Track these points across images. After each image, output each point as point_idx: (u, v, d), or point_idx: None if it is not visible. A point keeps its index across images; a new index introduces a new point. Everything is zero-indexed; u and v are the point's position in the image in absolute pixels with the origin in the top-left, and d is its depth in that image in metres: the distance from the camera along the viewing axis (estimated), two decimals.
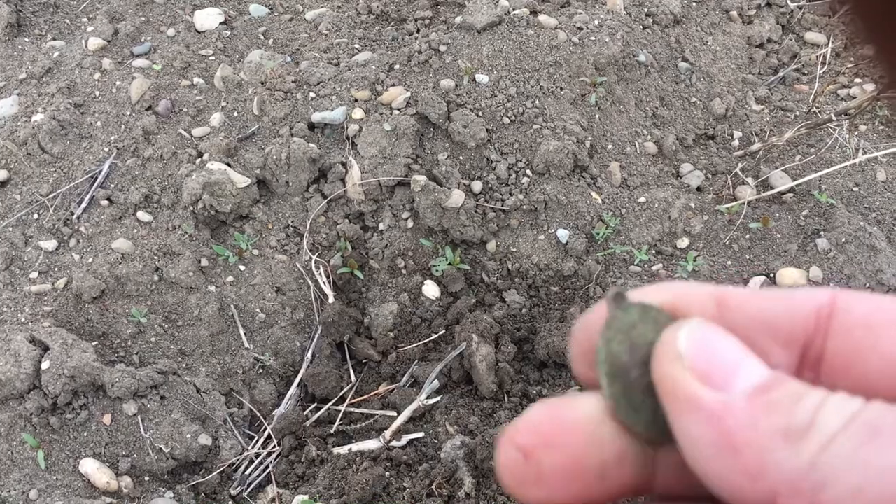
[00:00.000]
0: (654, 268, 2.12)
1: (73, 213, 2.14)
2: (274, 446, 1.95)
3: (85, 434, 1.83)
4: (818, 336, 0.32)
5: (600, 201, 2.20)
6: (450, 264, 2.15)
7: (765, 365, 0.30)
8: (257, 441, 1.96)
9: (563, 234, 2.15)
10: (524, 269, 2.15)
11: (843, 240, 2.08)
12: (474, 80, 2.26)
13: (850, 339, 0.31)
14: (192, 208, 2.11)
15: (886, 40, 0.29)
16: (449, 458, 1.82)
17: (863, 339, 0.31)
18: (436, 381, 1.95)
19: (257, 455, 1.94)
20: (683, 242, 2.18)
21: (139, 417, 1.85)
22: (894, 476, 0.26)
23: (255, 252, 2.15)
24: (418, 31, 2.48)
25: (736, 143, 2.44)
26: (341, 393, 2.05)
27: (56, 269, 2.07)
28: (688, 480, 0.32)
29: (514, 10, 2.36)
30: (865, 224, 2.11)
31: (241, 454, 1.92)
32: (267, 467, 1.93)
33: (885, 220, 2.18)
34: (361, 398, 2.04)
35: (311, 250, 2.16)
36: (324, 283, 2.12)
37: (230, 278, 2.11)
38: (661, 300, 0.34)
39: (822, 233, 2.12)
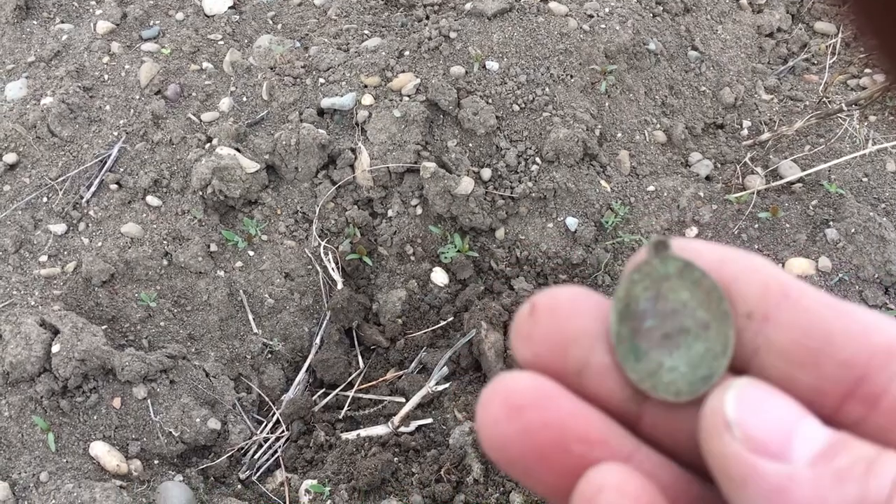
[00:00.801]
0: None
1: (82, 197, 2.14)
2: (282, 431, 1.96)
3: (95, 417, 1.84)
4: (883, 373, 0.28)
5: (609, 190, 2.20)
6: (458, 251, 2.15)
7: (824, 425, 0.27)
8: (266, 426, 1.97)
9: (571, 222, 2.15)
10: (533, 256, 2.15)
11: (853, 230, 2.08)
12: (484, 67, 2.25)
13: None
14: (201, 193, 2.11)
15: (888, 37, 0.29)
16: (457, 444, 1.83)
17: None
18: (445, 368, 1.96)
19: (266, 440, 1.95)
20: (692, 231, 2.18)
21: (149, 401, 1.86)
22: None
23: (264, 237, 2.15)
24: (427, 18, 2.47)
25: (745, 132, 2.44)
26: (350, 379, 2.05)
27: (65, 252, 2.07)
28: (671, 438, 0.31)
29: None
30: (875, 214, 2.11)
31: (249, 439, 1.93)
32: (276, 452, 1.94)
33: (895, 210, 2.18)
34: (370, 384, 2.05)
35: (319, 236, 2.16)
36: (332, 269, 2.12)
37: (239, 263, 2.11)
38: (708, 264, 0.31)
39: (831, 223, 2.12)
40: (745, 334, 0.30)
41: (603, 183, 2.20)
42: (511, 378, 0.30)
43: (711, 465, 0.28)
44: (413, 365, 2.04)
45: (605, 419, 0.31)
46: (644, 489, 0.28)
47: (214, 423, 1.88)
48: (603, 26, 2.35)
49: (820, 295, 0.30)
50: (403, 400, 1.97)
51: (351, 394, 2.03)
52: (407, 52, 2.30)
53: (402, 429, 1.91)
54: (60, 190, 2.15)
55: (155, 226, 2.10)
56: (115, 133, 2.22)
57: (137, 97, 2.28)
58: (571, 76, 2.28)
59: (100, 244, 2.07)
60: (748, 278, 0.30)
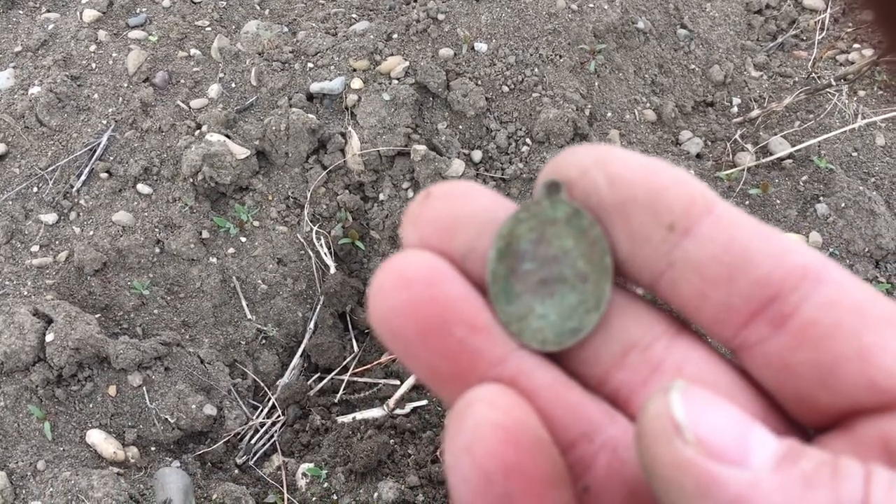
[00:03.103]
0: None
1: (72, 187, 2.13)
2: (278, 416, 1.97)
3: (91, 405, 1.84)
4: (795, 293, 0.28)
5: None
6: None
7: (772, 432, 0.26)
8: (262, 411, 1.98)
9: None
10: None
11: (843, 205, 2.09)
12: (473, 48, 2.25)
13: (834, 315, 0.27)
14: (191, 180, 2.11)
15: (885, 4, 0.29)
16: None
17: (852, 327, 0.27)
18: None
19: (262, 425, 1.96)
20: None
21: (144, 388, 1.86)
22: None
23: (256, 223, 2.15)
24: (415, 0, 2.46)
25: (735, 109, 2.44)
26: (344, 363, 2.06)
27: (57, 242, 2.07)
28: None
29: None
30: (864, 189, 2.12)
31: (245, 424, 1.94)
32: (272, 436, 1.94)
33: (884, 184, 2.19)
34: (364, 367, 2.05)
35: (311, 221, 2.16)
36: (325, 253, 2.12)
37: (231, 250, 2.12)
38: (635, 174, 0.29)
39: (821, 198, 2.13)
40: (662, 246, 0.29)
41: None
42: (407, 253, 0.29)
43: (655, 475, 0.25)
44: None
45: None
46: (516, 404, 0.28)
47: (210, 410, 1.89)
48: (591, 5, 2.34)
49: (743, 215, 0.29)
50: (398, 382, 1.98)
51: (346, 378, 2.03)
52: (395, 35, 2.30)
53: (398, 411, 1.92)
54: (50, 179, 2.14)
55: (146, 214, 2.10)
56: (104, 121, 2.21)
57: (125, 85, 2.27)
58: (560, 56, 2.27)
59: (91, 233, 2.07)
60: (676, 189, 0.29)
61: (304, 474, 1.84)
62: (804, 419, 0.29)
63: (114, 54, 2.32)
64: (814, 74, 2.48)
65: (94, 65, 2.30)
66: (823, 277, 0.28)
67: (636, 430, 0.26)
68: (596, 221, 0.30)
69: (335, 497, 1.80)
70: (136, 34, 2.37)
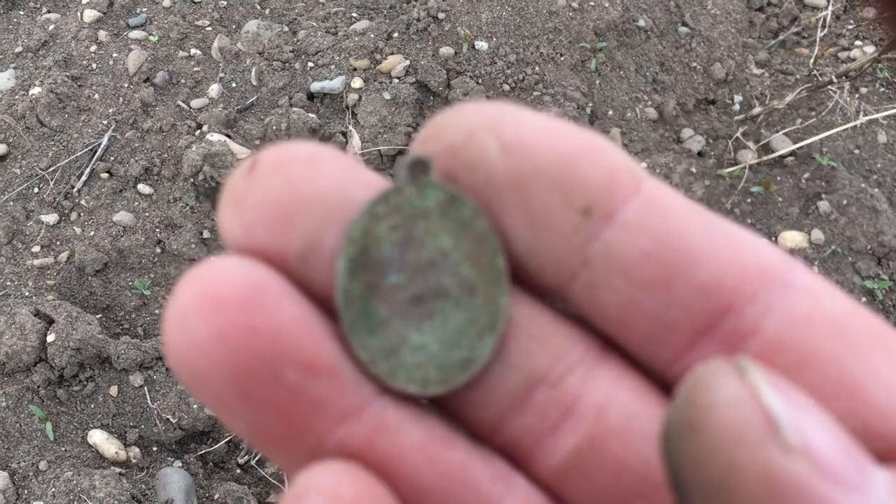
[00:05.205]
0: None
1: (73, 187, 2.13)
2: None
3: (92, 406, 1.84)
4: (754, 305, 0.21)
5: None
6: None
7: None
8: None
9: None
10: None
11: (845, 202, 2.09)
12: (473, 47, 2.25)
13: (806, 336, 0.21)
14: (192, 180, 2.11)
15: None
16: None
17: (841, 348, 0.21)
18: None
19: None
20: None
21: (146, 388, 1.86)
22: None
23: None
24: None
25: (736, 107, 2.43)
26: None
27: (58, 242, 2.07)
28: None
29: None
30: (867, 186, 2.11)
31: None
32: None
33: (887, 182, 2.18)
34: None
35: None
36: None
37: None
38: (541, 140, 0.22)
39: (823, 195, 2.12)
40: (575, 238, 0.22)
41: None
42: (216, 263, 0.21)
43: (723, 485, 0.17)
44: None
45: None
46: (367, 492, 0.20)
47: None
48: (592, 3, 2.34)
49: (680, 198, 0.22)
50: None
51: None
52: (396, 34, 2.30)
53: None
54: (51, 180, 2.14)
55: (147, 214, 2.10)
56: (105, 122, 2.21)
57: (126, 85, 2.27)
58: (561, 54, 2.27)
59: (92, 233, 2.07)
60: (592, 161, 0.22)
61: None
62: None
63: (114, 54, 2.32)
64: (815, 72, 2.47)
65: (94, 65, 2.31)
66: (789, 283, 0.21)
67: (677, 415, 0.18)
68: (481, 210, 0.22)
69: None
70: (136, 34, 2.37)
